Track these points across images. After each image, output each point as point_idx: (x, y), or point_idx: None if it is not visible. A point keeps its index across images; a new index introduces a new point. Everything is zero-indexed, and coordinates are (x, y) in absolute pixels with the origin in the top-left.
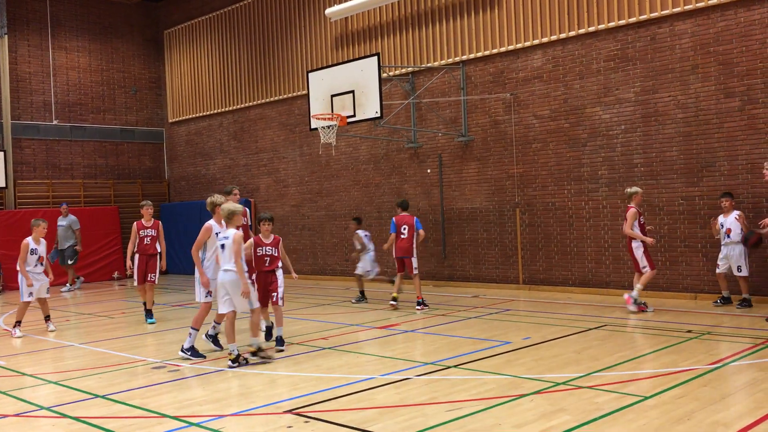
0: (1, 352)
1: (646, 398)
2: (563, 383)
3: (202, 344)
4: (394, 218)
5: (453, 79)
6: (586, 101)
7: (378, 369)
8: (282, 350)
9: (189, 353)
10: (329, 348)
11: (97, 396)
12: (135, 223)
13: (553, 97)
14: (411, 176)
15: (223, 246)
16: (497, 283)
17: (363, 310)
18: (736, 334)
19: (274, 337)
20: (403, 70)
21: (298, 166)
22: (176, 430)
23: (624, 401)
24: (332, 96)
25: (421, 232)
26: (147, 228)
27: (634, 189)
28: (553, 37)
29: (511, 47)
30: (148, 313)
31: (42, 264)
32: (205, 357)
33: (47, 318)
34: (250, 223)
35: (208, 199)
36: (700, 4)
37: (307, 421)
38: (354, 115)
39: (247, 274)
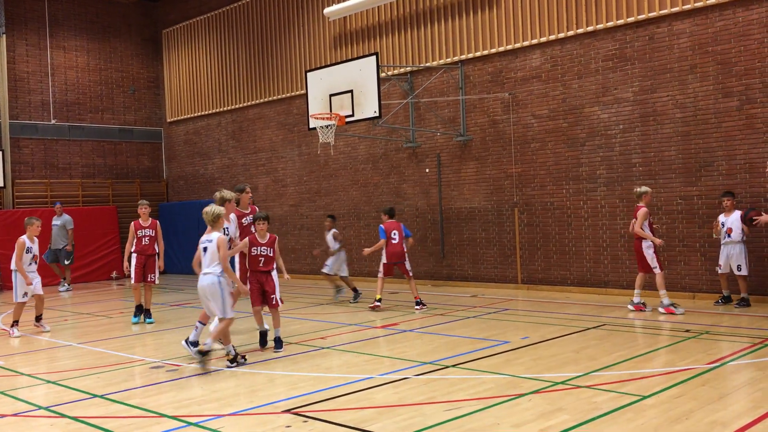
0: None
1: (645, 398)
2: (562, 383)
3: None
4: (382, 225)
5: (451, 78)
6: (585, 101)
7: (376, 368)
8: (280, 351)
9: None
10: (327, 347)
11: (95, 396)
12: (132, 223)
13: (551, 97)
14: (409, 176)
15: (205, 249)
16: (496, 282)
17: (361, 310)
18: (735, 333)
19: (272, 339)
20: (402, 70)
21: (296, 165)
22: (175, 430)
23: (622, 401)
24: (331, 95)
25: (410, 239)
26: (144, 228)
27: (644, 188)
28: (552, 37)
29: (509, 47)
30: (147, 313)
31: (36, 262)
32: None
33: (38, 318)
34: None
35: (217, 194)
36: (699, 4)
37: (305, 421)
38: (352, 115)
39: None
